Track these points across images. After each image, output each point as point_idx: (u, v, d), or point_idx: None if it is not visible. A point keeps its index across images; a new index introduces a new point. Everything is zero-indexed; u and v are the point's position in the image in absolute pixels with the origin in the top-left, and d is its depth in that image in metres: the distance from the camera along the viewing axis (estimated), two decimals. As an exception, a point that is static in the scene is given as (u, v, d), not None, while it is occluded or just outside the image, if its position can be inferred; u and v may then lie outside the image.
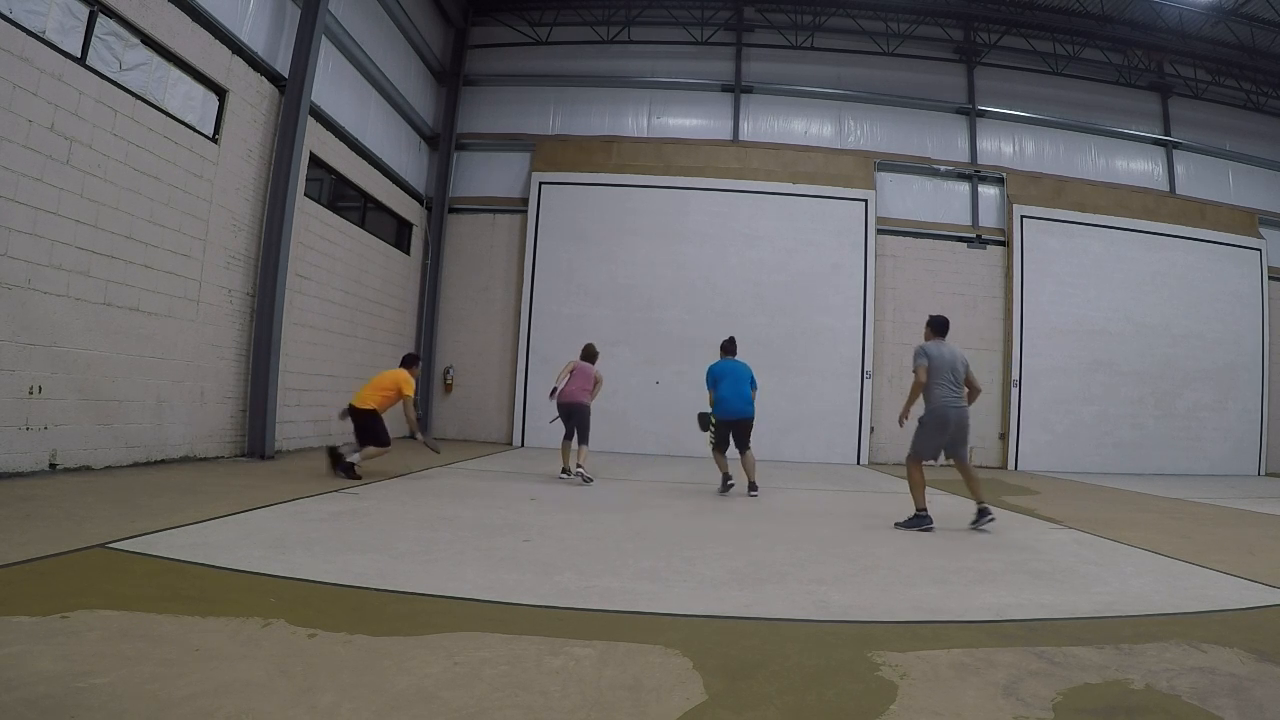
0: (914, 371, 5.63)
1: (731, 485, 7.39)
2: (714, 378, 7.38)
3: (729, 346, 7.64)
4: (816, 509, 6.75)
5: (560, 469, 8.08)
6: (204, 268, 7.65)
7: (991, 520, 5.63)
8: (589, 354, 8.23)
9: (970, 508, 5.90)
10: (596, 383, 8.03)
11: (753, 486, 7.31)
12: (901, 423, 5.70)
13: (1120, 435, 13.47)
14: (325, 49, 9.47)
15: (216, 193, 7.78)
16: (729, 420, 7.30)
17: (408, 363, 7.81)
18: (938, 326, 5.78)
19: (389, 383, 7.39)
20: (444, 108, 13.77)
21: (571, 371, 7.96)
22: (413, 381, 7.54)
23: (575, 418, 7.85)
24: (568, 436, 7.96)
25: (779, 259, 13.10)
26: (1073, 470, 12.85)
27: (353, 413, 7.27)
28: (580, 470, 7.65)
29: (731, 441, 7.40)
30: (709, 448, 7.59)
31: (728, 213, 13.17)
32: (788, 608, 3.22)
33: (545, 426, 12.99)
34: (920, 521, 5.54)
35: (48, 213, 5.72)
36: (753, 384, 7.40)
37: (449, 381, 13.44)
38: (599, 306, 13.04)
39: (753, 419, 7.37)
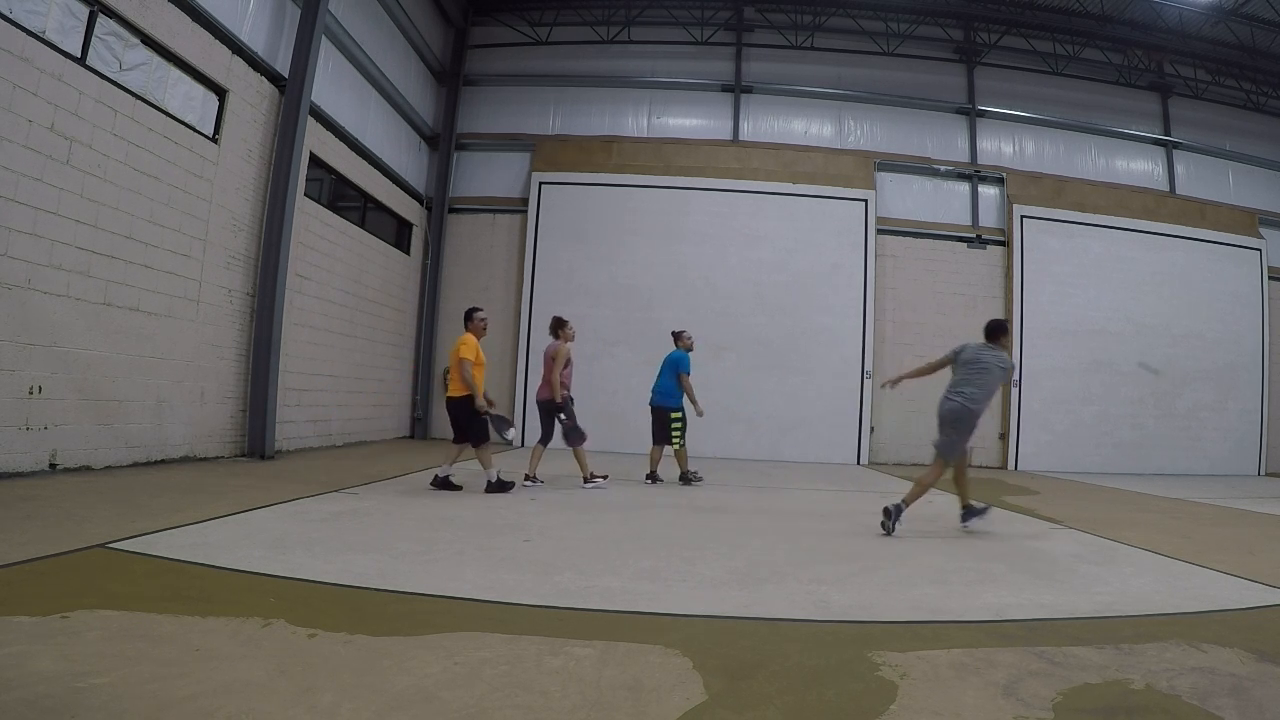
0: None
1: (656, 480, 7.85)
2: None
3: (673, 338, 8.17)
4: (817, 509, 6.75)
5: (524, 475, 7.10)
6: (204, 268, 7.65)
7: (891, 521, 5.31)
8: (551, 328, 7.33)
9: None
10: (553, 361, 7.01)
11: (650, 477, 7.92)
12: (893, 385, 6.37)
13: (1120, 435, 13.47)
14: (325, 49, 9.47)
15: (216, 193, 7.78)
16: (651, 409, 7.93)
17: (468, 318, 6.56)
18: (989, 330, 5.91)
19: (454, 354, 6.30)
20: (444, 108, 13.77)
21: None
22: (473, 342, 6.28)
23: (548, 417, 7.13)
24: (541, 440, 7.25)
25: (779, 259, 13.09)
26: (1073, 470, 12.85)
27: (449, 406, 6.46)
28: (595, 478, 7.21)
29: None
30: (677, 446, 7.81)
31: (728, 213, 13.16)
32: (788, 608, 3.22)
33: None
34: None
35: (48, 213, 5.72)
36: (676, 369, 7.75)
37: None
38: (599, 306, 13.03)
39: (663, 409, 7.74)
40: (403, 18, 11.94)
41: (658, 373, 7.93)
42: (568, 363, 7.15)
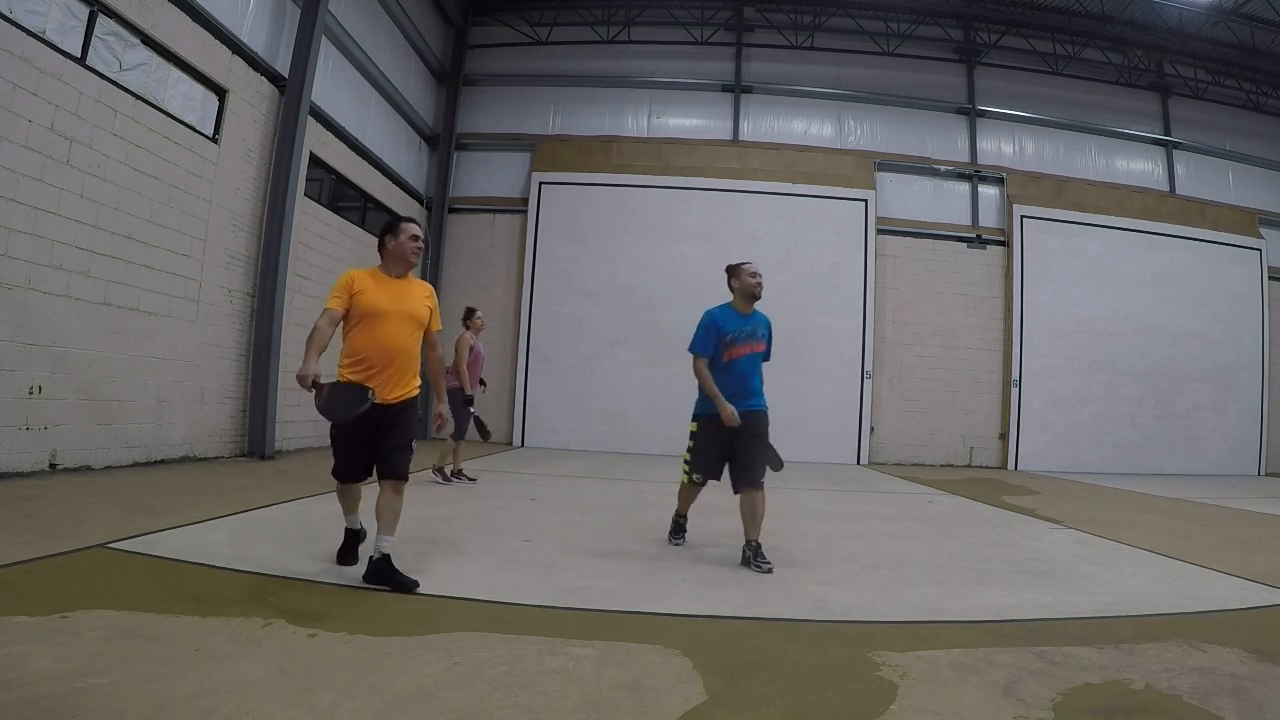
0: None
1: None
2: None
3: None
4: (817, 509, 6.75)
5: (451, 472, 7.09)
6: (204, 268, 7.65)
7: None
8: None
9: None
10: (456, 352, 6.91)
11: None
12: None
13: (1120, 435, 13.46)
14: (325, 49, 9.46)
15: (216, 193, 7.78)
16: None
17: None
18: None
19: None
20: (444, 108, 13.77)
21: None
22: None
23: (461, 409, 6.88)
24: (454, 435, 6.97)
25: (779, 259, 13.05)
26: (1073, 470, 12.85)
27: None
28: (459, 475, 7.00)
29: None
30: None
31: (728, 213, 13.16)
32: (788, 608, 3.22)
33: (546, 426, 13.05)
34: None
35: (48, 213, 5.72)
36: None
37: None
38: (599, 306, 13.04)
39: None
40: (403, 18, 11.94)
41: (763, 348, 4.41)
42: (473, 353, 6.99)
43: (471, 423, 6.96)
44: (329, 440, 3.40)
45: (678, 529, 4.68)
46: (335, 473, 3.43)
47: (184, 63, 7.23)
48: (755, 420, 4.17)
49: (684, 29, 13.99)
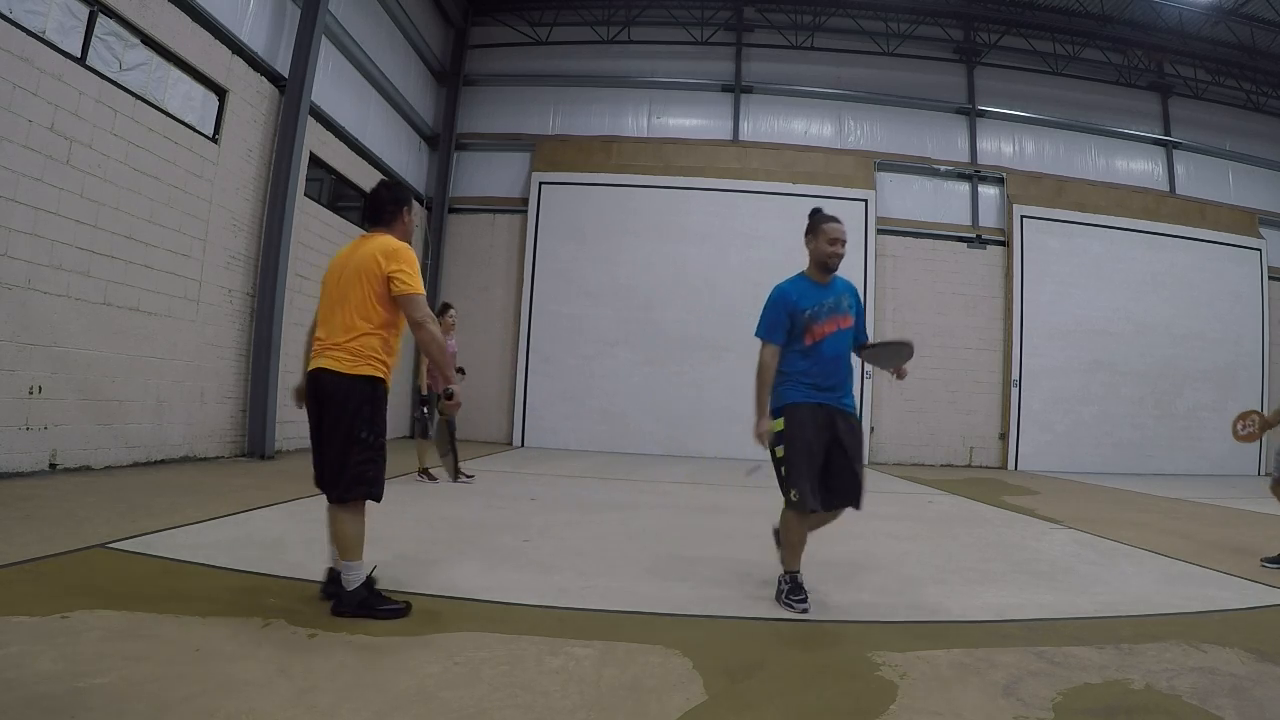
0: None
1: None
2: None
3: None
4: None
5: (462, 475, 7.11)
6: (204, 268, 7.65)
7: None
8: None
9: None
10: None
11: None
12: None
13: (1120, 435, 13.46)
14: (325, 49, 9.47)
15: (216, 193, 7.78)
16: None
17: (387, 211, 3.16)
18: None
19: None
20: (444, 108, 13.77)
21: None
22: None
23: (433, 407, 6.83)
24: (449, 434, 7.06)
25: (779, 259, 12.87)
26: (1073, 470, 12.84)
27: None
28: (429, 474, 6.92)
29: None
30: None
31: (728, 213, 13.15)
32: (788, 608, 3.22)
33: (546, 426, 13.06)
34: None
35: (48, 213, 5.72)
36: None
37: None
38: (599, 306, 13.04)
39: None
40: (403, 18, 11.94)
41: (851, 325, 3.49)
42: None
43: (421, 419, 7.06)
44: (372, 449, 2.77)
45: (796, 588, 3.24)
46: (378, 494, 2.81)
47: (184, 63, 7.23)
48: (854, 425, 3.40)
49: (684, 29, 13.99)
